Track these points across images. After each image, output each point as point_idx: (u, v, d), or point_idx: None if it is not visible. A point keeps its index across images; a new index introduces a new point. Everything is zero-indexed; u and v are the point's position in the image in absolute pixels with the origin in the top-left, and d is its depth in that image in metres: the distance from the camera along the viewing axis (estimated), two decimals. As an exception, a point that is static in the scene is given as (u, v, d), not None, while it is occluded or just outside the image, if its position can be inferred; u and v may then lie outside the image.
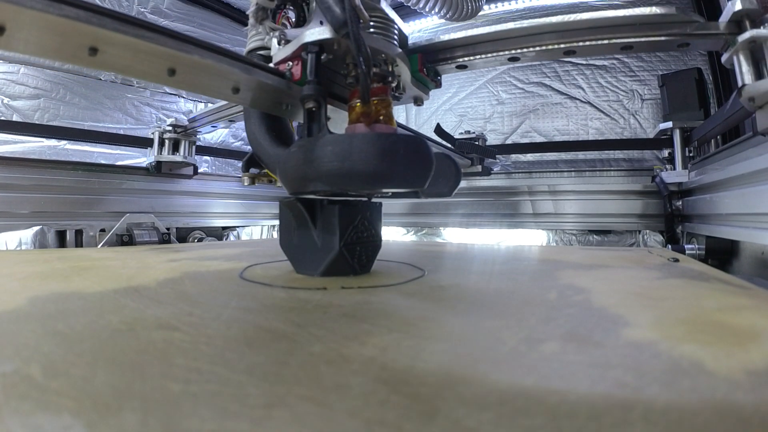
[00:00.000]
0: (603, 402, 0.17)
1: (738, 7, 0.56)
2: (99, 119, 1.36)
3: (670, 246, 1.02)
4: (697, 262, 0.66)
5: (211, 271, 0.55)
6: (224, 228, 1.43)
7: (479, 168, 1.37)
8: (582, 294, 0.40)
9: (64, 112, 1.28)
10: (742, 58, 0.57)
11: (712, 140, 1.09)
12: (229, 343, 0.25)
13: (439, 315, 0.33)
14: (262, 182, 0.70)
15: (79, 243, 1.03)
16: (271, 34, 0.53)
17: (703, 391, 0.18)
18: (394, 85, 0.55)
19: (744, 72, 0.57)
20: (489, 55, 0.69)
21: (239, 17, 1.78)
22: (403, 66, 0.56)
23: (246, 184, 0.71)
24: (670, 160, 1.20)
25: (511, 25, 0.67)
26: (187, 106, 1.62)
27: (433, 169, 0.43)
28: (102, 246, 1.04)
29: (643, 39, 0.62)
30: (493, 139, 1.70)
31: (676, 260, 0.65)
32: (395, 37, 0.56)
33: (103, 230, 1.06)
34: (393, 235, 1.69)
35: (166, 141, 1.20)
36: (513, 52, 0.68)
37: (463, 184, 1.47)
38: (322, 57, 0.49)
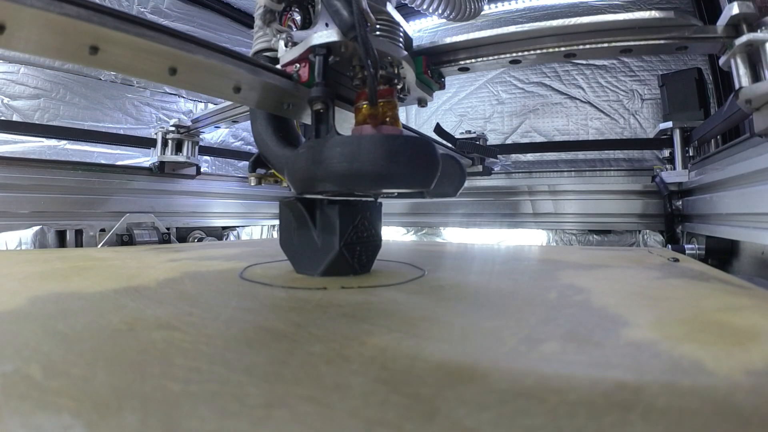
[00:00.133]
0: (603, 402, 0.17)
1: (735, 11, 0.57)
2: (99, 119, 1.36)
3: (670, 246, 1.02)
4: (697, 262, 0.66)
5: (211, 271, 0.55)
6: (224, 228, 1.43)
7: (480, 168, 1.37)
8: (582, 294, 0.40)
9: (64, 112, 1.28)
10: (739, 61, 0.58)
11: (712, 140, 1.09)
12: (229, 343, 0.25)
13: (439, 315, 0.33)
14: (269, 182, 0.71)
15: (79, 243, 1.03)
16: (278, 36, 0.53)
17: (703, 391, 0.18)
18: (399, 87, 0.55)
19: (741, 75, 0.58)
20: (491, 57, 0.70)
21: (239, 17, 1.78)
22: (408, 68, 0.56)
23: (253, 184, 0.71)
24: (670, 160, 1.20)
25: (513, 29, 0.68)
26: (187, 106, 1.62)
27: (440, 170, 0.43)
28: (102, 246, 1.04)
29: (642, 42, 0.63)
30: (493, 139, 1.70)
31: (676, 260, 0.65)
32: (401, 39, 0.57)
33: (103, 230, 1.06)
34: (393, 235, 1.69)
35: (170, 141, 1.21)
36: (514, 54, 0.69)
37: (465, 183, 1.48)
38: (330, 59, 0.49)
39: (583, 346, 0.25)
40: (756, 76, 0.57)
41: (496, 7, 1.70)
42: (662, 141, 1.25)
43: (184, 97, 1.62)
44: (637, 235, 1.31)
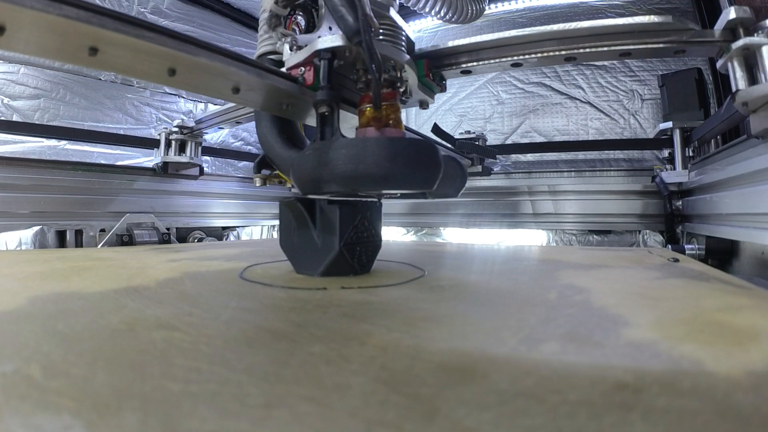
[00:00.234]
0: (603, 402, 0.17)
1: (732, 15, 0.59)
2: (99, 119, 1.36)
3: (670, 246, 1.02)
4: (697, 262, 0.66)
5: (211, 271, 0.55)
6: (224, 228, 1.43)
7: (479, 168, 1.37)
8: (582, 294, 0.40)
9: (64, 112, 1.28)
10: (736, 64, 0.59)
11: (712, 140, 1.09)
12: (229, 343, 0.25)
13: (439, 315, 0.33)
14: (274, 183, 0.71)
15: (79, 243, 1.03)
16: (283, 39, 0.54)
17: (703, 391, 0.18)
18: (402, 90, 0.56)
19: (738, 78, 0.59)
20: (492, 60, 0.71)
21: (239, 17, 1.77)
22: (410, 71, 0.57)
23: (258, 185, 0.72)
24: (670, 160, 1.20)
25: (514, 32, 0.69)
26: (187, 107, 1.62)
27: (442, 172, 0.44)
28: (102, 246, 1.04)
29: (641, 46, 0.64)
30: (493, 139, 1.70)
31: (676, 260, 0.65)
32: (403, 43, 0.58)
33: (103, 230, 1.06)
34: (393, 235, 1.69)
35: (173, 142, 1.21)
36: (516, 58, 0.70)
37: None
38: (334, 63, 0.50)
39: (583, 346, 0.25)
40: (753, 79, 0.58)
41: (496, 7, 1.70)
42: (662, 141, 1.25)
43: (184, 98, 1.62)
44: (637, 236, 1.31)
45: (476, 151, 1.32)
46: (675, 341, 0.25)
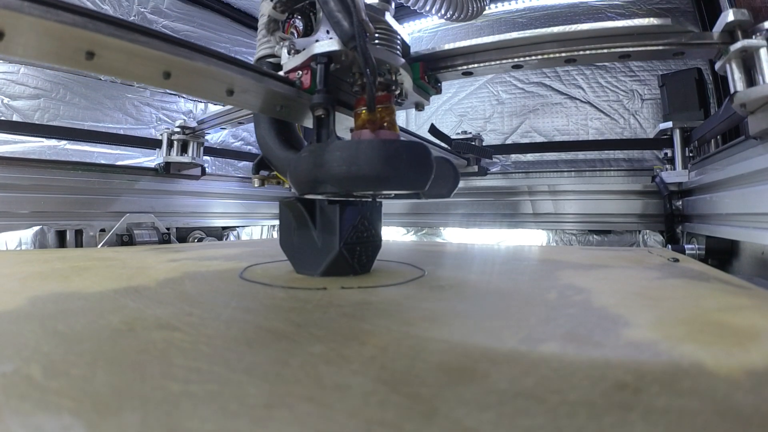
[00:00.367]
0: (603, 402, 0.17)
1: (731, 18, 0.59)
2: (99, 119, 1.36)
3: (670, 246, 1.02)
4: (697, 262, 0.66)
5: (211, 271, 0.55)
6: (224, 228, 1.43)
7: (476, 168, 1.38)
8: (582, 294, 0.40)
9: (64, 112, 1.28)
10: (734, 66, 0.60)
11: (712, 140, 1.09)
12: (229, 343, 0.25)
13: (439, 315, 0.33)
14: (272, 184, 0.73)
15: (79, 243, 1.03)
16: (281, 43, 0.55)
17: (703, 391, 0.18)
18: (397, 92, 0.57)
19: (736, 79, 0.60)
20: (492, 63, 0.72)
21: (239, 17, 1.77)
22: (405, 74, 0.58)
23: (256, 185, 0.73)
24: (670, 160, 1.20)
25: (514, 35, 0.70)
26: (187, 107, 1.62)
27: (433, 173, 0.45)
28: (102, 246, 1.04)
29: (640, 48, 0.65)
30: (493, 139, 1.70)
31: (676, 260, 0.65)
32: (399, 47, 0.59)
33: (103, 230, 1.06)
34: (393, 235, 1.69)
35: (175, 142, 1.21)
36: (515, 60, 0.71)
37: (462, 184, 1.48)
38: (331, 67, 0.51)
39: (583, 346, 0.25)
40: (751, 81, 0.59)
41: (496, 7, 1.70)
42: (662, 141, 1.25)
43: (184, 98, 1.62)
44: (637, 235, 1.31)
45: (472, 151, 1.33)
46: (675, 341, 0.25)
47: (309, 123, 0.58)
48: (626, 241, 1.33)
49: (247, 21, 1.75)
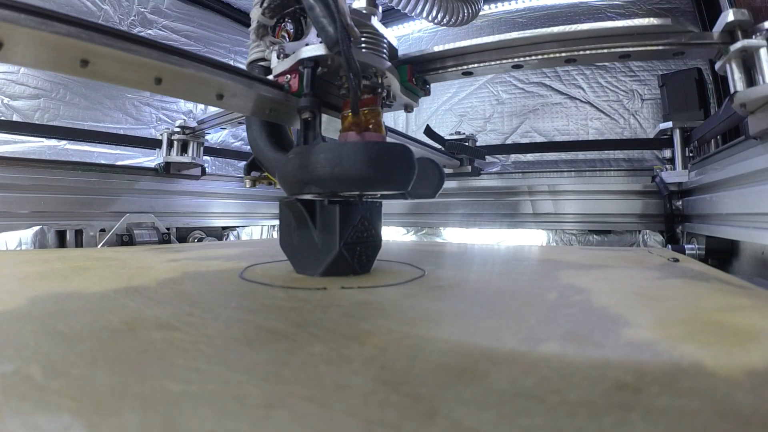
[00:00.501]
0: (603, 402, 0.17)
1: (730, 18, 0.60)
2: (99, 119, 1.36)
3: (670, 246, 1.02)
4: (697, 262, 0.66)
5: (211, 271, 0.55)
6: (224, 228, 1.43)
7: (469, 168, 1.39)
8: (582, 294, 0.40)
9: (64, 112, 1.28)
10: (734, 66, 0.60)
11: (712, 140, 1.09)
12: (229, 343, 0.25)
13: (439, 315, 0.33)
14: (263, 184, 0.74)
15: (79, 243, 1.03)
16: (271, 48, 0.57)
17: (703, 391, 0.18)
18: (384, 95, 0.58)
19: (736, 79, 0.60)
20: (492, 63, 0.73)
21: (239, 17, 1.77)
22: (392, 77, 0.59)
23: (248, 186, 0.75)
24: (670, 160, 1.20)
25: (514, 35, 0.70)
26: (187, 107, 1.62)
27: (415, 174, 0.47)
28: (102, 246, 1.04)
29: (640, 48, 0.65)
30: (493, 139, 1.70)
31: (676, 260, 0.65)
32: (385, 51, 0.60)
33: (103, 230, 1.06)
34: (393, 235, 1.69)
35: (175, 142, 1.21)
36: (516, 60, 0.71)
37: (462, 183, 1.48)
38: (318, 71, 0.52)
39: (583, 346, 0.25)
40: (751, 81, 0.59)
41: (496, 7, 1.70)
42: (662, 141, 1.25)
43: (184, 97, 1.62)
44: (637, 235, 1.31)
45: (465, 151, 1.34)
46: (675, 341, 0.25)
47: (298, 125, 0.59)
48: (626, 241, 1.33)
49: (247, 21, 1.73)
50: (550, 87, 1.62)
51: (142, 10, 1.46)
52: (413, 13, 0.70)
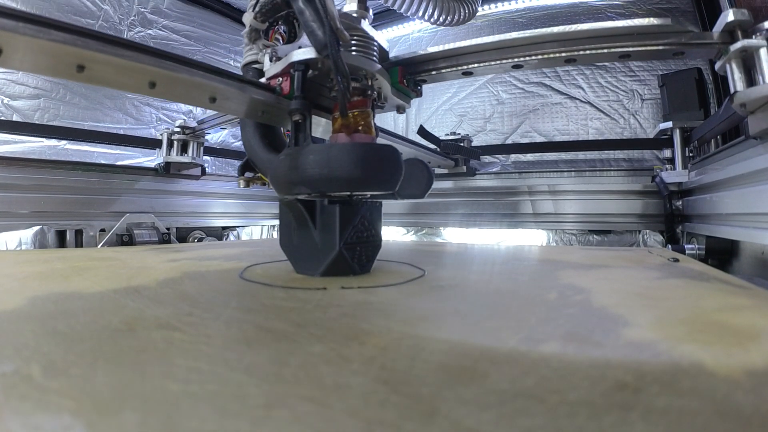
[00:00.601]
0: (603, 402, 0.17)
1: (730, 18, 0.60)
2: (99, 119, 1.36)
3: (670, 246, 1.02)
4: (697, 262, 0.66)
5: (211, 271, 0.55)
6: (224, 228, 1.43)
7: (464, 168, 1.40)
8: (582, 294, 0.40)
9: (64, 112, 1.28)
10: (734, 66, 0.60)
11: (712, 140, 1.09)
12: (229, 343, 0.25)
13: (439, 315, 0.33)
14: (257, 185, 0.76)
15: (79, 243, 1.03)
16: (264, 51, 0.58)
17: (703, 391, 0.18)
18: (374, 97, 0.59)
19: (736, 79, 0.60)
20: (493, 63, 0.73)
21: (239, 17, 1.77)
22: (382, 79, 0.60)
23: (241, 186, 0.76)
24: (670, 160, 1.20)
25: (514, 35, 0.71)
26: (187, 107, 1.62)
27: (402, 174, 0.48)
28: (102, 246, 1.04)
29: (640, 48, 0.65)
30: (493, 139, 1.70)
31: (676, 260, 0.65)
32: (375, 53, 0.61)
33: (103, 230, 1.06)
34: (393, 235, 1.69)
35: (175, 142, 1.21)
36: (515, 60, 0.72)
37: (461, 184, 1.48)
38: (309, 73, 0.53)
39: (583, 346, 0.25)
40: (750, 81, 0.59)
41: (496, 6, 1.70)
42: (662, 141, 1.25)
43: (184, 97, 1.62)
44: (637, 235, 1.31)
45: (460, 152, 1.34)
46: (675, 341, 0.25)
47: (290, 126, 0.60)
48: (626, 241, 1.33)
49: (247, 21, 1.75)
50: (550, 87, 1.62)
51: (142, 10, 1.46)
52: (408, 13, 0.70)
